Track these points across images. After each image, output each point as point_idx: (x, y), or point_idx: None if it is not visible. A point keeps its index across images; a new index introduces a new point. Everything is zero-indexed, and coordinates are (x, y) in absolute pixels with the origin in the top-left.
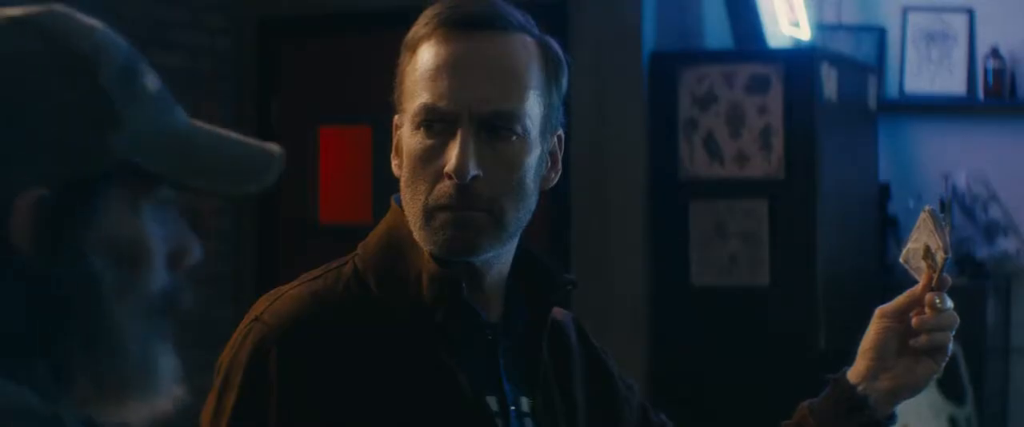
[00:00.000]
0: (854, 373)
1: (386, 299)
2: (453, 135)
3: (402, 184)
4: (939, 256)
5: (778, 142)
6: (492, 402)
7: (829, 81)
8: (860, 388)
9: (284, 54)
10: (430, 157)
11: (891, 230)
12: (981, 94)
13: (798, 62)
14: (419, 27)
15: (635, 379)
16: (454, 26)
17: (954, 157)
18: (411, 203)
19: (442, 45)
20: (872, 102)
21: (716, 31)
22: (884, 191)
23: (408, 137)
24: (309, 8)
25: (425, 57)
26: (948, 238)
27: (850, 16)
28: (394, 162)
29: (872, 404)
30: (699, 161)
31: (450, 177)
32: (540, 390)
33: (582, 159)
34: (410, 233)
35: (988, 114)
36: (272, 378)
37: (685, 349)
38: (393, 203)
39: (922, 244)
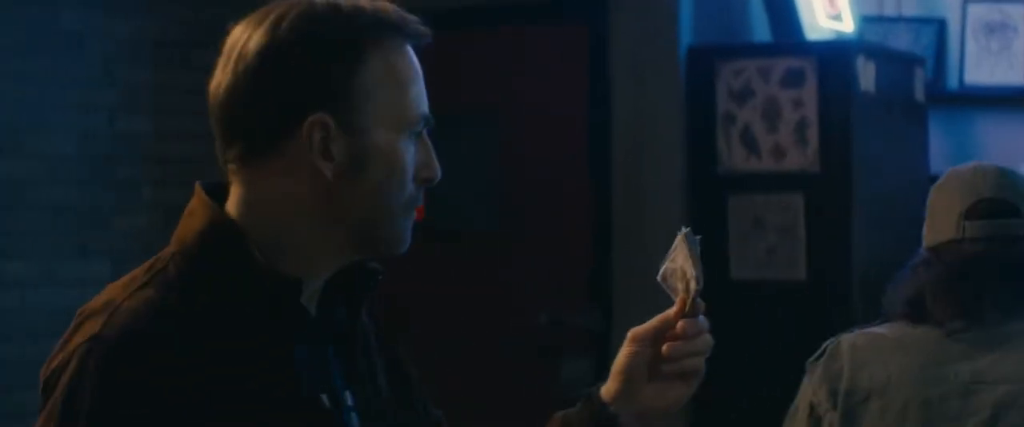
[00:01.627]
0: (606, 392)
1: (218, 305)
2: (420, 141)
3: (359, 189)
4: (692, 284)
5: (813, 136)
6: (325, 399)
7: (866, 74)
8: (611, 408)
9: None
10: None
11: None
12: None
13: (833, 55)
14: (376, 26)
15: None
16: (416, 37)
17: (1014, 149)
18: (374, 207)
19: (407, 54)
20: (920, 95)
21: (755, 25)
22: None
23: (395, 143)
24: None
25: (401, 62)
26: (699, 266)
27: (909, 9)
28: (327, 165)
29: (622, 424)
30: (737, 155)
31: (429, 182)
32: (359, 383)
33: (621, 153)
34: (237, 234)
35: None
36: (125, 398)
37: (724, 343)
38: (206, 201)
39: (679, 266)
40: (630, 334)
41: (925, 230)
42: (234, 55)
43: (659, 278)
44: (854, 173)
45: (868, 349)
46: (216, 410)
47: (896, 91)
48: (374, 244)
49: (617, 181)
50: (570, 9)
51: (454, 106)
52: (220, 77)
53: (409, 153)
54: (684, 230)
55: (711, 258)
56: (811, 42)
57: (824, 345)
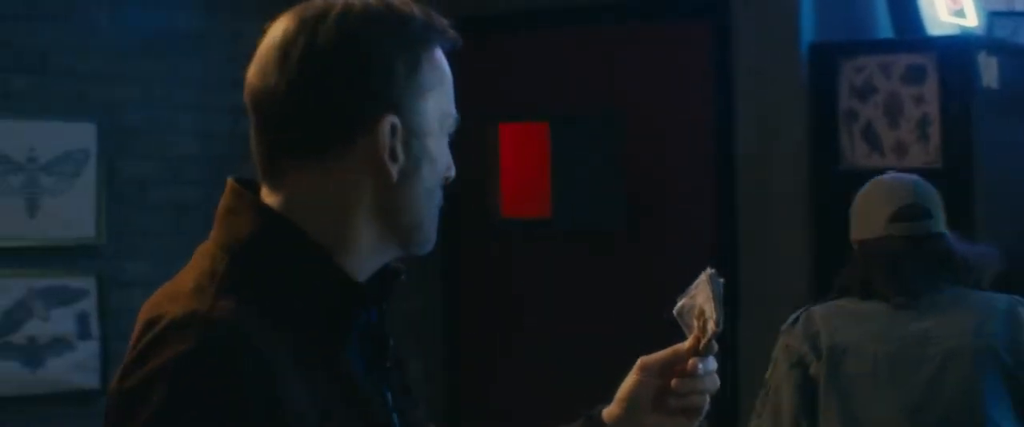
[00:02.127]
0: (608, 414)
1: (293, 309)
2: None
3: (413, 190)
4: (710, 324)
5: (935, 132)
6: (389, 399)
7: (988, 69)
8: None
9: (464, 52)
10: None
11: None
12: None
13: (954, 51)
14: (426, 30)
15: None
16: (453, 42)
17: None
18: (421, 207)
19: (443, 57)
20: None
21: (877, 21)
22: None
23: (440, 144)
24: (488, 8)
25: (443, 66)
26: (721, 309)
27: None
28: (394, 167)
29: None
30: (859, 152)
31: (449, 181)
32: (394, 382)
33: (745, 151)
34: (299, 235)
35: None
36: (242, 410)
37: None
38: (254, 201)
39: (698, 304)
40: (639, 362)
41: (852, 227)
42: (294, 53)
43: (675, 312)
44: (976, 169)
45: (836, 316)
46: (315, 416)
47: (1020, 86)
48: (416, 243)
49: (741, 179)
50: (690, 6)
51: (576, 105)
52: (274, 75)
53: (446, 153)
54: (709, 271)
55: (837, 255)
56: (933, 38)
57: (796, 314)
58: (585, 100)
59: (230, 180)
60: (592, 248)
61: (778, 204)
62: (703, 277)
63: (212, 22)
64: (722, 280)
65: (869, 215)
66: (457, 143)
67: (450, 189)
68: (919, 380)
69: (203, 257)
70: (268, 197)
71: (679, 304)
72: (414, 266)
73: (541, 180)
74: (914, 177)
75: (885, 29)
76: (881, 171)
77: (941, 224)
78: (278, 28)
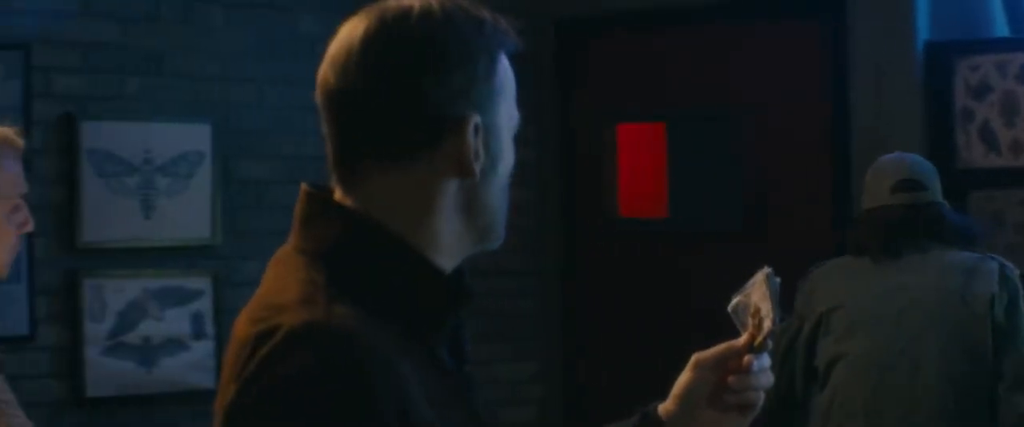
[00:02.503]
0: (664, 410)
1: (398, 311)
2: None
3: (491, 187)
4: (766, 323)
5: None
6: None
7: None
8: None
9: (580, 53)
10: None
11: None
12: None
13: None
14: (498, 33)
15: None
16: (515, 47)
17: None
18: (499, 205)
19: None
20: None
21: (993, 19)
22: None
23: (508, 141)
24: (604, 7)
25: (509, 72)
26: (777, 308)
27: None
28: (477, 165)
29: None
30: (975, 151)
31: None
32: (474, 380)
33: (861, 150)
34: (395, 238)
35: None
36: (377, 418)
37: None
38: (337, 204)
39: (754, 302)
40: (694, 359)
41: (863, 198)
42: (379, 53)
43: (729, 309)
44: None
45: (832, 272)
46: (432, 415)
47: None
48: (490, 240)
49: (856, 178)
50: (806, 5)
51: (692, 105)
52: (357, 75)
53: (513, 152)
54: (766, 270)
55: None
56: None
57: (808, 271)
58: (701, 99)
59: (304, 185)
60: (708, 248)
61: None
62: (760, 276)
63: (327, 23)
64: (778, 280)
65: (874, 188)
66: (574, 143)
67: (567, 189)
68: (887, 325)
69: (292, 266)
70: (345, 199)
71: (734, 301)
72: (532, 267)
73: (658, 180)
74: (914, 156)
75: (1001, 27)
76: (999, 171)
77: (936, 195)
78: (357, 28)
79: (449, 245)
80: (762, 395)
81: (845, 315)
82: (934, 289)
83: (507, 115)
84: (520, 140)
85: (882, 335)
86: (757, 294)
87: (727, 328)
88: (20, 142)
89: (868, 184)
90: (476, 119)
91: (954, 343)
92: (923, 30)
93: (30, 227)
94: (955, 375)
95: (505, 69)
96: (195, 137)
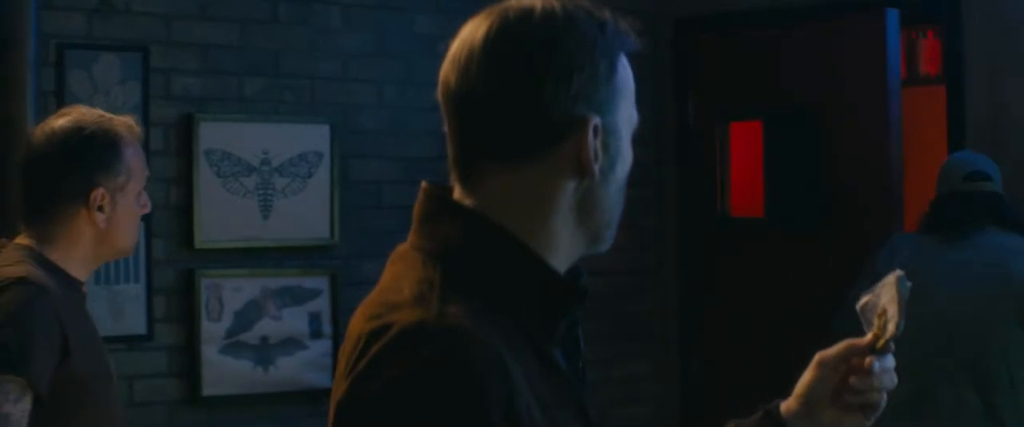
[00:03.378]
0: (786, 408)
1: (515, 312)
2: None
3: (609, 188)
4: (891, 325)
5: None
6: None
7: None
8: (790, 425)
9: (698, 52)
10: None
11: None
12: None
13: None
14: (618, 34)
15: None
16: (634, 49)
17: None
18: (614, 206)
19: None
20: None
21: None
22: None
23: (627, 142)
24: (723, 6)
25: (629, 72)
26: (904, 312)
27: None
28: (596, 166)
29: None
30: None
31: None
32: (587, 381)
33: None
34: (515, 239)
35: None
36: (496, 418)
37: None
38: (458, 205)
39: (882, 303)
40: (817, 358)
41: (938, 185)
42: (502, 54)
43: (858, 307)
44: None
45: (909, 242)
46: (542, 414)
47: None
48: (603, 241)
49: None
50: (923, 6)
51: (787, 103)
52: (480, 76)
53: (631, 153)
54: (898, 273)
55: None
56: None
57: (891, 236)
58: (796, 98)
59: (424, 183)
60: (799, 247)
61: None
62: (891, 278)
63: (442, 23)
64: (909, 284)
65: (948, 176)
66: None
67: (685, 188)
68: (943, 297)
69: (409, 264)
70: (464, 199)
71: (863, 300)
72: (649, 265)
73: (756, 179)
74: (981, 154)
75: None
76: None
77: (998, 186)
78: (479, 28)
79: (564, 246)
80: (884, 396)
81: (915, 280)
82: (987, 266)
83: (626, 116)
84: (638, 140)
85: (944, 300)
86: (886, 296)
87: (824, 326)
88: (139, 130)
89: (943, 173)
90: (596, 120)
91: (994, 311)
92: None
93: (149, 208)
94: (991, 339)
95: (625, 70)
96: (314, 137)
